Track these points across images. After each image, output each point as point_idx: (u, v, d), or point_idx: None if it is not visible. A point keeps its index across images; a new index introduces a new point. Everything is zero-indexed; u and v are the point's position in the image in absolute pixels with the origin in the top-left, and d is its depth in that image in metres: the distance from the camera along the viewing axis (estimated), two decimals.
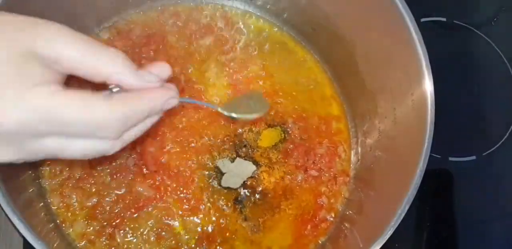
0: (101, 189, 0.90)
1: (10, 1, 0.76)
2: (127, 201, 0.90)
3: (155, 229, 0.89)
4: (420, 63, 0.80)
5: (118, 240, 0.88)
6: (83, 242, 0.87)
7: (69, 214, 0.88)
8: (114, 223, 0.88)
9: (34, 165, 0.89)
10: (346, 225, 0.93)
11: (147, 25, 1.02)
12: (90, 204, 0.89)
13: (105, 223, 0.88)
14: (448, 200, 1.08)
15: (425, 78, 0.80)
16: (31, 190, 0.86)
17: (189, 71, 1.00)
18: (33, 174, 0.88)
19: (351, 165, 1.01)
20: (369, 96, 0.96)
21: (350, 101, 1.04)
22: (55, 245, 0.81)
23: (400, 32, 0.82)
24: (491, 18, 1.22)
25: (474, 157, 1.11)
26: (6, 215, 0.70)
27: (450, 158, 1.10)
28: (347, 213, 0.95)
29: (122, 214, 0.89)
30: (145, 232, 0.89)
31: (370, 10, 0.89)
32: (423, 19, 1.17)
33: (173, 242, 0.89)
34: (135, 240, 0.88)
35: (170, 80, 0.98)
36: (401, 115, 0.86)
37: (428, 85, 0.79)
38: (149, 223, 0.89)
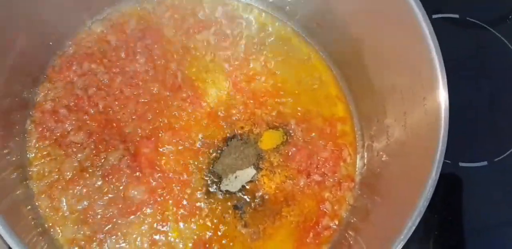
0: (92, 192, 0.87)
1: None
2: (119, 205, 0.86)
3: (148, 235, 0.86)
4: (433, 65, 0.76)
5: (110, 246, 0.85)
6: (73, 248, 0.84)
7: (58, 218, 0.85)
8: (105, 229, 0.85)
9: (22, 166, 0.86)
10: (351, 233, 0.90)
11: (142, 18, 0.98)
12: (80, 207, 0.86)
13: (96, 228, 0.85)
14: (457, 206, 1.05)
15: (438, 81, 0.76)
16: (17, 192, 0.83)
17: (187, 67, 0.96)
18: (21, 175, 0.85)
19: (357, 170, 0.97)
20: (377, 97, 0.92)
21: (356, 101, 1.00)
22: None
23: (413, 31, 0.79)
24: (506, 15, 1.18)
25: (485, 163, 1.08)
26: None
27: (461, 164, 1.07)
28: (352, 220, 0.92)
29: (114, 219, 0.86)
30: (138, 239, 0.86)
31: (380, 5, 0.85)
32: (434, 16, 1.14)
33: None
34: (127, 246, 0.85)
35: (166, 77, 0.95)
36: (412, 120, 0.83)
37: (442, 91, 0.76)
38: (142, 228, 0.86)
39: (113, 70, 0.93)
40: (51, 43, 0.91)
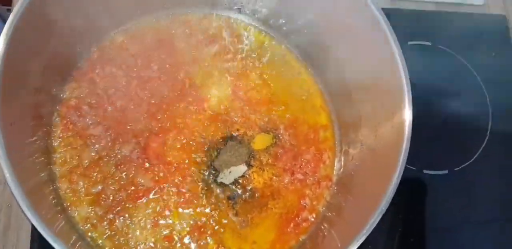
0: (106, 178, 0.96)
1: (33, 3, 0.82)
2: (128, 191, 0.96)
3: (152, 217, 0.95)
4: (402, 87, 0.86)
5: (118, 225, 0.94)
6: (87, 225, 0.93)
7: (75, 199, 0.94)
8: (115, 210, 0.94)
9: (47, 152, 0.95)
10: (326, 225, 0.99)
11: (158, 31, 1.09)
12: (95, 191, 0.95)
13: (107, 209, 0.94)
14: (420, 207, 1.15)
15: (405, 101, 0.86)
16: (42, 174, 0.92)
17: (194, 75, 1.07)
18: (46, 160, 0.94)
19: (334, 171, 1.06)
20: (355, 110, 1.02)
21: (337, 112, 1.10)
22: (60, 226, 0.86)
23: (386, 57, 0.89)
24: (470, 44, 1.30)
25: (446, 171, 1.18)
26: (15, 197, 0.73)
27: (425, 171, 1.17)
28: (327, 214, 1.01)
29: (123, 202, 0.95)
30: (142, 220, 0.95)
31: (360, 34, 0.96)
32: (410, 42, 1.26)
33: (167, 230, 0.96)
34: (133, 226, 0.94)
35: (175, 83, 1.05)
36: (382, 131, 0.92)
37: (407, 109, 0.86)
38: (147, 212, 0.95)
39: (130, 75, 1.03)
40: (79, 49, 1.01)
